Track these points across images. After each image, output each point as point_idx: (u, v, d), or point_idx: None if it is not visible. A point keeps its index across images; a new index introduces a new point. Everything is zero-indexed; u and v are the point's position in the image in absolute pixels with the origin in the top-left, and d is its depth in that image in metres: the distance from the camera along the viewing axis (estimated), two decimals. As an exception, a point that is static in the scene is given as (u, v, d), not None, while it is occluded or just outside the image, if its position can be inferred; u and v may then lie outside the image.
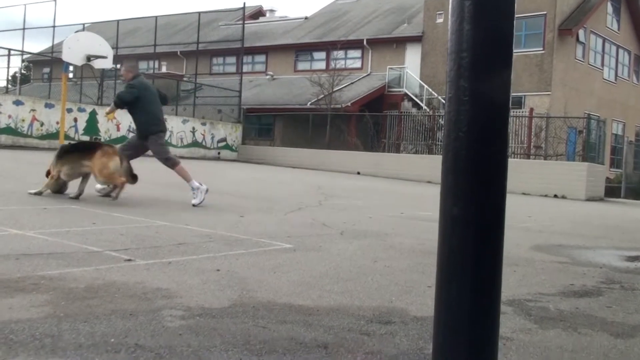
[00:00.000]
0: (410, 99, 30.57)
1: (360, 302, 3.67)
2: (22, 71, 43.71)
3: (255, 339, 2.81)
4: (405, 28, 33.19)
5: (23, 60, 42.35)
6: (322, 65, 34.75)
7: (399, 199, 13.45)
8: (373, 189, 16.02)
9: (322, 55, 35.71)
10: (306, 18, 40.31)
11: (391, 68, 31.86)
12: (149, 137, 8.85)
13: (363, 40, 33.60)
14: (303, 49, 36.71)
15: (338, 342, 2.88)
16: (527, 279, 4.80)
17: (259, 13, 44.68)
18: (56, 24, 32.64)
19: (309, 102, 29.67)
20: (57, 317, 2.91)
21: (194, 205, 8.29)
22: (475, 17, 1.77)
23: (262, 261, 4.75)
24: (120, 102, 8.93)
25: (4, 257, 4.14)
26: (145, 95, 8.84)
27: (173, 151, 26.79)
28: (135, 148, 8.95)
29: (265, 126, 32.60)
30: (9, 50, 26.91)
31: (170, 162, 9.05)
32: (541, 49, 27.64)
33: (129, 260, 4.38)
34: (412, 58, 31.87)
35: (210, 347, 2.64)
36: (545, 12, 27.50)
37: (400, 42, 32.74)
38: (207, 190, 8.65)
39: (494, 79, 1.77)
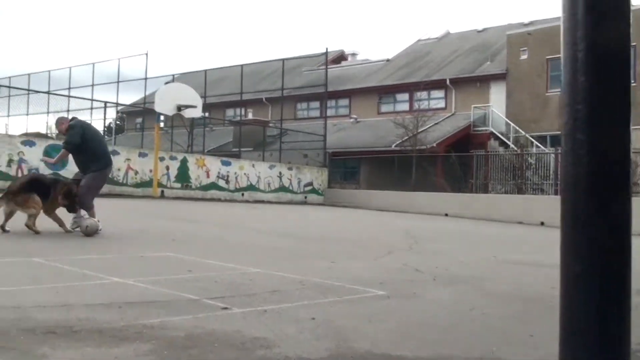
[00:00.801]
0: (497, 138, 30.15)
1: (460, 353, 3.58)
2: (117, 122, 45.61)
3: (356, 391, 2.77)
4: (489, 66, 32.92)
5: (117, 112, 44.22)
6: (405, 106, 34.79)
7: (491, 242, 13.16)
8: (463, 231, 15.76)
9: (405, 96, 35.79)
10: (388, 60, 40.57)
11: (476, 107, 31.58)
12: (89, 172, 9.17)
13: (446, 80, 33.51)
14: (386, 92, 36.88)
15: (442, 395, 2.80)
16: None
17: (341, 57, 45.27)
18: (148, 76, 33.96)
19: (394, 144, 29.66)
20: (161, 367, 2.96)
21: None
22: (590, 68, 1.72)
23: (356, 309, 4.72)
24: (71, 146, 9.23)
25: (107, 306, 4.26)
26: (88, 132, 9.35)
27: (261, 196, 27.40)
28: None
29: (351, 169, 32.72)
30: (105, 102, 28.18)
31: (86, 205, 9.13)
32: (633, 82, 26.80)
33: (226, 308, 4.43)
34: (497, 96, 31.53)
35: (312, 399, 2.62)
36: (634, 44, 26.73)
37: (484, 80, 32.48)
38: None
39: (612, 131, 1.71)
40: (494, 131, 30.46)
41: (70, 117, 10.18)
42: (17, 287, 4.72)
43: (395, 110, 34.60)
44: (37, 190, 8.50)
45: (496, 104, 31.16)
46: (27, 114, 33.73)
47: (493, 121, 30.82)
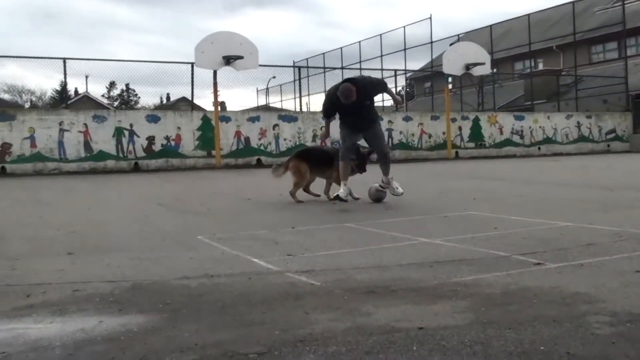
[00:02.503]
0: None
1: None
2: (407, 89, 46.64)
3: (702, 350, 2.49)
4: None
5: (407, 79, 45.18)
6: None
7: None
8: None
9: None
10: (696, -16, 36.05)
11: None
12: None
13: None
14: (696, 20, 32.89)
15: None
16: None
17: (638, -9, 41.24)
18: (433, 40, 34.10)
19: None
20: (480, 323, 2.93)
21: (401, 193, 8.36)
22: None
23: (687, 260, 4.27)
24: None
25: (419, 265, 4.35)
26: None
27: (559, 148, 26.25)
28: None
29: (659, 111, 29.80)
30: (395, 71, 28.97)
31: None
32: None
33: (539, 264, 4.28)
34: None
35: (651, 357, 2.41)
36: None
37: None
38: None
39: None
40: None
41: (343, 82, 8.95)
42: (335, 250, 5.03)
43: None
44: (311, 161, 8.94)
45: None
46: (325, 91, 35.88)
47: None
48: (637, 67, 31.89)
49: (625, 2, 30.56)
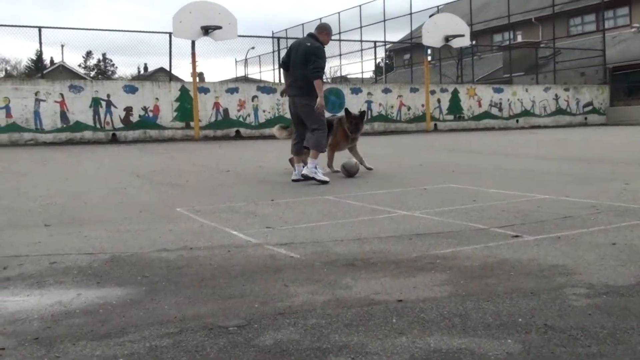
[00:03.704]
0: None
1: None
2: (386, 61, 46.46)
3: (676, 321, 2.53)
4: None
5: (386, 50, 45.00)
6: (699, 7, 30.93)
7: None
8: None
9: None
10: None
11: None
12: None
13: None
14: (674, -7, 33.02)
15: None
16: None
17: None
18: (412, 11, 33.94)
19: (687, 52, 26.62)
20: (459, 296, 2.95)
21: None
22: None
23: (662, 232, 4.32)
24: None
25: (398, 238, 4.37)
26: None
27: (537, 121, 26.34)
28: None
29: (635, 84, 29.98)
30: (375, 42, 28.81)
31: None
32: None
33: (517, 236, 4.31)
34: None
35: (626, 329, 2.44)
36: None
37: None
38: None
39: None
40: None
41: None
42: (315, 223, 5.03)
43: (686, 13, 30.95)
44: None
45: None
46: (304, 62, 35.63)
47: None
48: (615, 39, 32.04)
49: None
